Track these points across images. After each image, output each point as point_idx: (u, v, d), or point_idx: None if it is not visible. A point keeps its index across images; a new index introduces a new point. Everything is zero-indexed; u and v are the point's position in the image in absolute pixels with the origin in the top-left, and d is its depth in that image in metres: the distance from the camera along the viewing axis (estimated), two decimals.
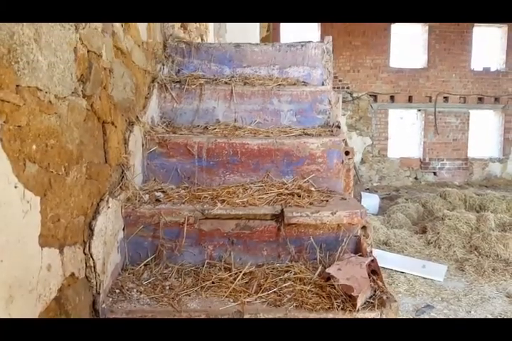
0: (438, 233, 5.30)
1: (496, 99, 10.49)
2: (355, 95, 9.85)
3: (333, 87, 8.22)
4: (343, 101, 9.66)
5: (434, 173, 10.42)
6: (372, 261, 1.29)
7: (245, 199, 1.40)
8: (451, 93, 10.23)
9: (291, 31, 10.41)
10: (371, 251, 1.34)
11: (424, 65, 10.22)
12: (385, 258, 4.67)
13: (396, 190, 9.39)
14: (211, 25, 3.38)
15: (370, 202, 7.39)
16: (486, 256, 4.73)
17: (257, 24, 3.99)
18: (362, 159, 10.04)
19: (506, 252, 4.74)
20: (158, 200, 1.41)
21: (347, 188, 1.53)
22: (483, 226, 5.36)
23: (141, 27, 1.48)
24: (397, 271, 4.37)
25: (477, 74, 10.38)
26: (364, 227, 1.34)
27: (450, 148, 10.45)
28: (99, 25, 1.09)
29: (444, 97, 10.26)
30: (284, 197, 1.42)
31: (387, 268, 4.42)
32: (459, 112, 10.37)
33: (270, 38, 7.31)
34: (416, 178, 10.34)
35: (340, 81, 9.75)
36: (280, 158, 1.53)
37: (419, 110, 10.50)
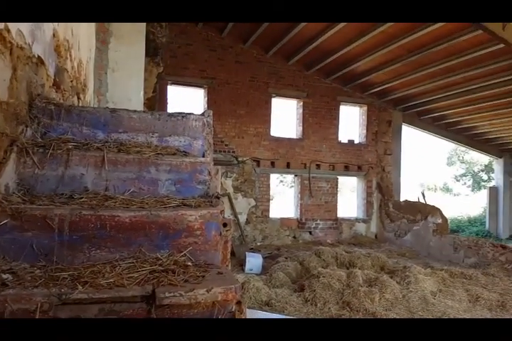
0: (314, 290, 5.42)
1: (359, 167, 11.89)
2: (240, 159, 10.20)
3: (220, 151, 8.55)
4: (229, 165, 10.04)
5: (310, 232, 10.98)
6: None
7: (112, 280, 1.25)
8: (323, 161, 11.27)
9: (179, 94, 10.75)
10: None
11: (299, 136, 11.17)
12: None
13: (277, 248, 9.63)
14: (90, 83, 3.27)
15: (254, 261, 7.44)
16: (357, 310, 4.92)
17: (141, 84, 3.99)
18: (247, 219, 10.18)
19: (373, 306, 5.01)
20: (4, 284, 1.18)
21: (224, 260, 1.50)
22: (352, 283, 5.61)
23: (2, 86, 1.34)
24: None
25: (343, 145, 11.72)
26: (239, 302, 1.30)
27: (323, 210, 11.19)
28: None
29: (317, 164, 11.20)
30: (157, 274, 1.31)
31: None
32: (329, 178, 11.38)
33: (156, 99, 7.40)
34: (295, 237, 10.76)
35: (226, 145, 10.08)
36: (155, 231, 1.43)
37: (296, 175, 11.28)
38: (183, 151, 1.79)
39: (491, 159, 17.73)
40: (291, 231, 10.79)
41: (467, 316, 4.97)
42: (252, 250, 9.13)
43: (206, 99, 10.05)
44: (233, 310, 1.31)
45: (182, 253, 1.44)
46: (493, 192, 15.67)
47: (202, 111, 1.96)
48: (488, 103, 10.84)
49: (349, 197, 18.70)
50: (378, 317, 4.73)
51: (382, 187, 12.08)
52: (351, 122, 12.66)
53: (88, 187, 1.56)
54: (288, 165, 10.88)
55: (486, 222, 15.90)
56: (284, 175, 21.09)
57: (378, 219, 12.01)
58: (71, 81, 2.39)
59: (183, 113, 1.86)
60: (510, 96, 10.06)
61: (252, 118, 10.44)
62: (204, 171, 1.70)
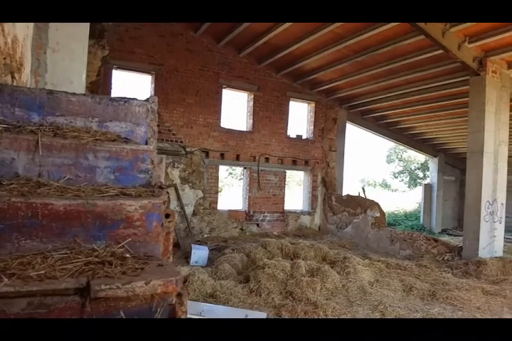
0: (259, 281, 5.49)
1: (306, 162, 12.19)
2: (188, 149, 10.00)
3: (167, 140, 8.34)
4: (176, 155, 9.84)
5: (257, 225, 11.12)
6: None
7: (43, 272, 1.17)
8: (272, 155, 11.41)
9: (125, 79, 10.32)
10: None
11: (249, 129, 11.19)
12: (212, 312, 4.62)
13: (224, 240, 9.63)
14: (27, 62, 3.02)
15: (200, 254, 7.40)
16: (299, 300, 5.04)
17: (84, 67, 3.76)
18: (194, 211, 10.05)
19: (315, 295, 5.17)
20: None
21: (166, 252, 1.46)
22: (296, 273, 5.76)
23: None
24: None
25: (292, 140, 11.94)
26: (179, 295, 1.27)
27: (270, 202, 11.37)
28: None
29: (266, 158, 11.32)
30: (92, 266, 1.25)
31: None
32: (278, 171, 11.57)
33: (100, 83, 7.04)
34: (242, 229, 10.83)
35: (174, 134, 9.82)
36: (92, 221, 1.36)
37: (245, 168, 11.31)
38: (125, 138, 1.71)
39: (427, 158, 18.91)
40: (239, 224, 10.84)
41: (400, 305, 5.24)
42: (199, 242, 9.07)
43: (153, 85, 9.71)
44: (173, 302, 1.28)
45: (120, 245, 1.38)
46: (428, 189, 16.79)
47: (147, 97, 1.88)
48: (426, 105, 11.55)
49: (296, 191, 19.16)
50: (319, 306, 4.86)
51: (326, 182, 12.50)
52: (300, 118, 12.92)
53: (19, 172, 1.45)
54: (237, 158, 10.87)
55: (421, 217, 17.02)
56: (234, 168, 21.14)
57: (322, 212, 12.43)
58: (4, 58, 2.18)
59: (126, 98, 1.77)
60: (445, 99, 10.78)
61: (202, 108, 10.27)
62: (146, 159, 1.63)
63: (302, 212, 12.26)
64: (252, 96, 11.22)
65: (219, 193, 11.14)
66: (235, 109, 12.25)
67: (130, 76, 10.02)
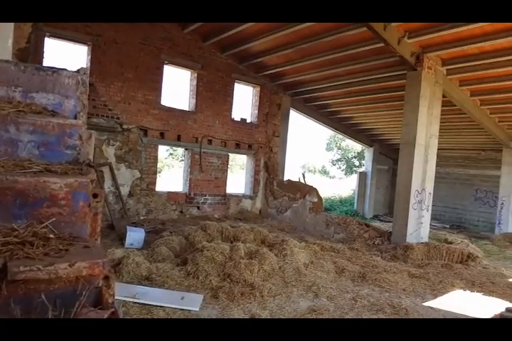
0: (197, 264, 5.46)
1: (250, 146, 12.22)
2: (125, 127, 9.53)
3: (103, 116, 7.86)
4: (112, 131, 9.36)
5: (198, 207, 11.02)
6: (112, 313, 1.19)
7: None
8: (215, 137, 11.26)
9: (60, 49, 9.54)
10: (113, 302, 1.24)
11: (192, 109, 10.90)
12: (147, 295, 4.56)
13: (162, 223, 9.45)
14: None
15: (136, 236, 7.21)
16: (237, 282, 5.09)
17: (11, 31, 3.40)
18: (130, 192, 9.68)
19: (252, 277, 5.24)
20: None
21: (93, 234, 1.39)
22: (235, 255, 5.78)
23: None
24: (158, 306, 4.30)
25: (236, 123, 11.85)
26: (106, 277, 1.23)
27: (212, 185, 11.28)
28: None
29: (209, 140, 11.15)
30: (11, 247, 1.16)
31: (147, 305, 4.31)
32: (220, 154, 11.46)
33: (30, 51, 6.42)
34: (182, 212, 10.69)
35: (110, 110, 9.28)
36: (11, 199, 1.25)
37: (187, 149, 11.07)
38: (52, 111, 1.58)
39: (363, 147, 19.85)
40: (179, 206, 10.68)
41: (333, 286, 5.51)
42: (135, 224, 8.82)
43: (90, 57, 9.06)
44: (100, 285, 1.23)
45: (43, 225, 1.29)
46: (363, 176, 17.71)
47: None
48: (365, 97, 12.01)
49: (239, 174, 19.26)
50: (256, 287, 4.96)
51: (269, 167, 12.69)
52: (245, 101, 12.86)
53: None
54: (179, 138, 10.59)
55: (355, 203, 17.94)
56: (175, 148, 20.61)
57: (263, 196, 12.65)
58: None
59: (55, 67, 1.63)
60: (383, 92, 11.27)
61: (142, 84, 9.80)
62: (74, 135, 1.52)
63: (244, 196, 12.36)
64: (196, 74, 10.91)
65: (158, 174, 10.83)
66: (178, 87, 11.84)
67: (65, 46, 9.27)
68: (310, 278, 5.76)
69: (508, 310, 4.74)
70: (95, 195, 1.38)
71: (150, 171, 10.11)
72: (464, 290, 5.84)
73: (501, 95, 9.73)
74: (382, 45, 7.98)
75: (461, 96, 9.77)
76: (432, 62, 8.42)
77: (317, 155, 31.26)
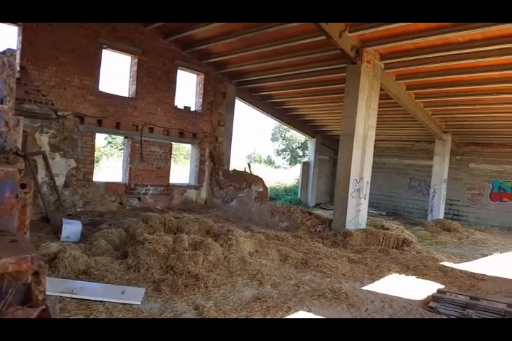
0: (138, 257, 5.31)
1: (194, 135, 12.01)
2: (60, 113, 8.92)
3: (35, 101, 7.33)
4: (45, 118, 8.75)
5: (139, 198, 10.67)
6: (43, 310, 1.12)
7: None
8: (157, 125, 10.89)
9: None
10: (44, 299, 1.16)
11: (132, 95, 10.46)
12: (85, 289, 4.36)
13: (101, 215, 9.06)
14: None
15: (72, 228, 6.86)
16: (180, 274, 4.99)
17: None
18: (65, 182, 9.11)
19: (196, 268, 5.17)
20: None
21: (21, 227, 1.28)
22: (178, 247, 5.70)
23: None
24: (97, 301, 4.12)
25: (179, 111, 11.56)
26: (36, 273, 1.14)
27: (154, 175, 10.95)
28: None
29: (150, 128, 10.76)
30: None
31: (86, 300, 4.12)
32: (163, 143, 11.14)
33: None
34: (121, 203, 10.28)
35: (44, 96, 8.62)
36: None
37: (127, 137, 10.64)
38: None
39: (307, 138, 20.39)
40: (118, 197, 10.25)
41: (276, 273, 5.62)
42: (71, 216, 8.36)
43: (21, 38, 8.33)
44: (29, 281, 1.15)
45: None
46: (306, 166, 18.22)
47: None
48: (306, 89, 12.27)
49: (184, 164, 18.92)
50: (200, 278, 4.90)
51: (214, 156, 12.60)
52: (189, 90, 12.58)
53: None
54: (118, 126, 10.11)
55: (298, 192, 18.45)
56: (114, 136, 19.66)
57: (208, 186, 12.56)
58: None
59: None
60: (323, 85, 11.57)
61: (78, 69, 9.20)
62: (0, 121, 1.39)
63: (188, 186, 12.17)
64: (137, 60, 10.45)
65: (96, 163, 10.29)
66: (118, 73, 11.27)
67: None
68: (255, 266, 5.80)
69: (439, 291, 5.12)
70: (23, 186, 1.27)
71: (87, 161, 9.59)
72: (400, 274, 6.19)
73: (434, 89, 10.40)
74: (323, 38, 8.15)
75: (397, 89, 10.31)
76: (371, 56, 8.77)
77: (263, 146, 31.66)
